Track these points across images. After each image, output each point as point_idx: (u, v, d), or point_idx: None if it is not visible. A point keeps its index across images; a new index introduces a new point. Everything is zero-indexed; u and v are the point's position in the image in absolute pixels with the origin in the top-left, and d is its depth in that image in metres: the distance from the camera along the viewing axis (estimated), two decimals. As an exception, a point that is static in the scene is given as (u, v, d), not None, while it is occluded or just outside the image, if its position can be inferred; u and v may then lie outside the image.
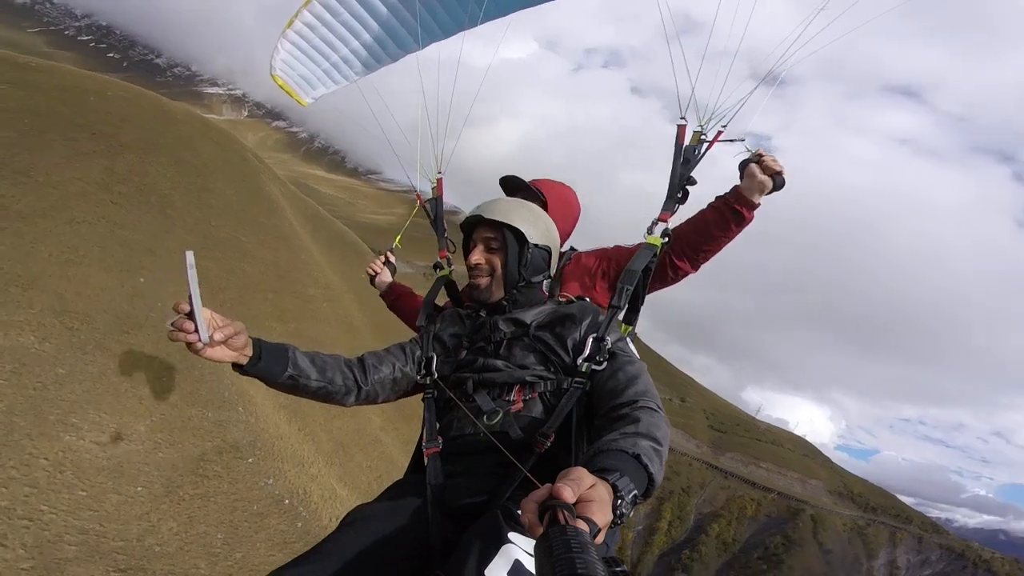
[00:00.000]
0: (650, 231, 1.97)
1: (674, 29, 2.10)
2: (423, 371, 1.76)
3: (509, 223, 1.69)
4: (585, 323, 1.64)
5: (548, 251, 1.79)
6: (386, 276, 2.54)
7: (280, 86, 3.02)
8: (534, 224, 1.74)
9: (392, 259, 2.60)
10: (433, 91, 2.58)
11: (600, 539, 0.81)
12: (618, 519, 0.93)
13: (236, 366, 1.42)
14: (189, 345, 1.28)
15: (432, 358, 1.76)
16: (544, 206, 2.11)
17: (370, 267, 2.56)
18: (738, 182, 1.92)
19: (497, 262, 1.72)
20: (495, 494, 1.40)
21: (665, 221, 1.98)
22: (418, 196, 2.57)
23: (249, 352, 1.41)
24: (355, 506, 1.46)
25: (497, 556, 1.07)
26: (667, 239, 1.93)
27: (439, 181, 2.56)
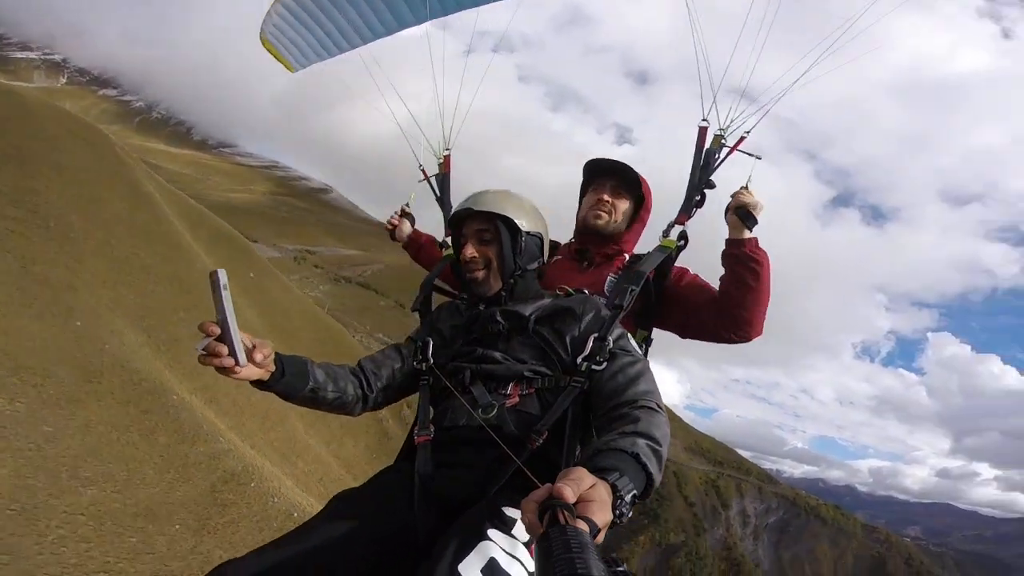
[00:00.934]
0: (666, 234, 1.96)
1: (699, 29, 2.11)
2: (419, 356, 1.73)
3: (500, 213, 1.67)
4: (586, 319, 1.61)
5: (540, 237, 1.77)
6: (405, 228, 2.53)
7: (269, 51, 2.92)
8: (524, 211, 1.72)
9: (409, 210, 2.59)
10: (441, 66, 2.57)
11: (600, 539, 0.82)
12: (618, 519, 0.93)
13: (258, 382, 1.37)
14: (224, 369, 1.23)
15: (428, 342, 1.75)
16: (642, 202, 2.18)
17: (389, 221, 2.57)
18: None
19: (491, 253, 1.70)
20: (484, 488, 1.39)
21: (682, 224, 1.96)
22: (423, 171, 2.56)
23: (272, 367, 1.38)
24: (341, 490, 1.45)
25: (473, 553, 1.06)
26: (683, 243, 1.93)
27: (446, 158, 2.54)
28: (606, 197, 2.09)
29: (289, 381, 1.44)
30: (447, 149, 2.54)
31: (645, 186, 2.14)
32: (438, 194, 2.50)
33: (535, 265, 1.76)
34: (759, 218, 1.84)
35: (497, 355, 1.60)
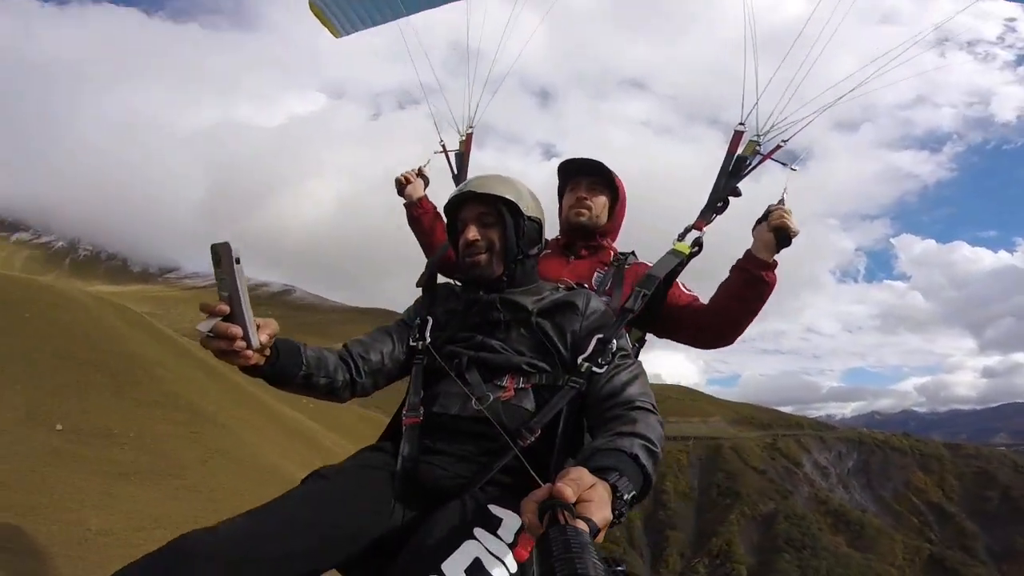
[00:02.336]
0: (681, 237, 1.93)
1: (752, 33, 2.02)
2: (417, 334, 1.68)
3: (503, 195, 1.62)
4: (588, 316, 1.60)
5: (540, 223, 1.73)
6: (419, 186, 2.43)
7: (316, 16, 2.90)
8: (525, 196, 1.69)
9: (427, 173, 2.49)
10: (476, 38, 2.56)
11: (600, 539, 0.82)
12: (617, 519, 0.92)
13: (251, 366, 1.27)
14: (231, 353, 1.15)
15: (428, 321, 1.70)
16: (617, 196, 2.22)
17: (403, 175, 2.44)
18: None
19: (494, 236, 1.64)
20: (470, 480, 1.39)
21: (700, 229, 1.93)
22: (442, 145, 2.53)
23: (267, 350, 1.30)
24: (321, 466, 1.41)
25: (457, 551, 1.07)
26: (697, 249, 1.90)
27: (469, 136, 2.52)
28: (583, 195, 2.12)
29: (284, 365, 1.38)
30: (471, 127, 2.51)
31: (617, 180, 2.19)
32: (455, 172, 2.49)
33: (535, 251, 1.72)
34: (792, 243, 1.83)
35: (496, 344, 1.57)
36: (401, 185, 2.40)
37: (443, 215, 1.85)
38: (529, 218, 1.66)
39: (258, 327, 1.16)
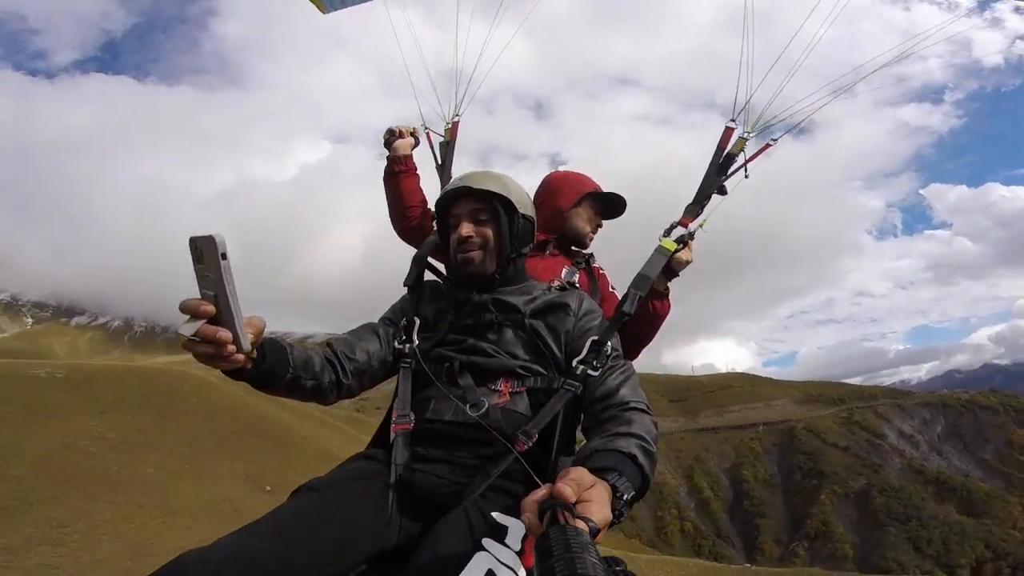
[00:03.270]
0: (667, 233, 1.91)
1: (752, 26, 2.00)
2: (403, 336, 1.62)
3: (499, 192, 1.59)
4: (581, 317, 1.58)
5: (532, 221, 1.70)
6: (408, 144, 2.30)
7: None
8: (519, 194, 1.66)
9: (419, 135, 2.38)
10: (466, 26, 2.48)
11: (600, 539, 0.82)
12: (617, 519, 0.92)
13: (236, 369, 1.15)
14: (219, 358, 1.04)
15: (415, 323, 1.64)
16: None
17: (398, 127, 2.32)
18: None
19: (488, 233, 1.60)
20: (469, 487, 1.34)
21: (685, 226, 1.91)
22: (427, 132, 2.41)
23: (253, 352, 1.17)
24: (311, 478, 1.34)
25: (470, 565, 1.02)
26: (683, 245, 1.89)
27: (455, 124, 2.42)
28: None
29: (270, 367, 1.27)
30: (457, 115, 2.42)
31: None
32: (439, 162, 2.39)
33: (527, 249, 1.70)
34: (680, 274, 1.90)
35: (488, 347, 1.54)
36: (392, 136, 2.31)
37: (432, 208, 1.88)
38: (523, 216, 1.64)
39: (249, 325, 1.07)
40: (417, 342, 1.60)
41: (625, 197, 2.16)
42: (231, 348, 1.02)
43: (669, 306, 1.93)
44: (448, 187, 1.67)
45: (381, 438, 1.59)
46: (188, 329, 0.99)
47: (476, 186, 1.58)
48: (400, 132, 2.30)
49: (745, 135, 1.93)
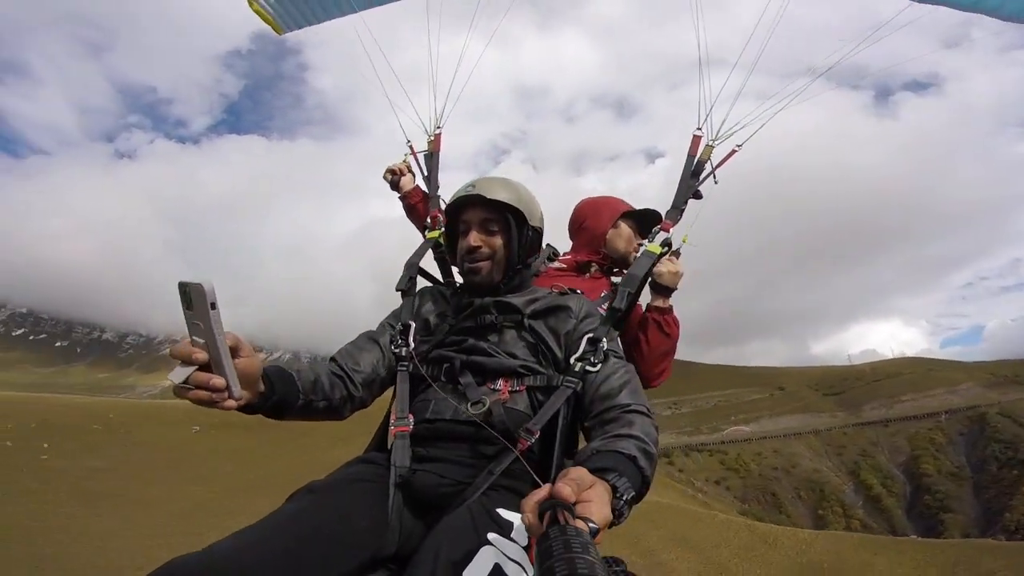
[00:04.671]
0: (651, 239, 1.95)
1: (704, 37, 2.11)
2: (399, 340, 1.64)
3: (512, 204, 1.60)
4: (581, 318, 1.60)
5: (541, 232, 1.72)
6: (410, 179, 2.43)
7: (257, 12, 2.77)
8: (531, 205, 1.66)
9: (411, 164, 2.45)
10: (437, 37, 2.44)
11: (600, 539, 0.81)
12: (617, 520, 0.93)
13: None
14: (212, 403, 1.03)
15: (410, 326, 1.67)
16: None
17: (397, 166, 2.42)
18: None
19: (497, 244, 1.62)
20: (471, 486, 1.33)
21: (667, 231, 1.95)
22: (411, 147, 2.43)
23: (261, 386, 1.20)
24: (309, 481, 1.32)
25: (476, 559, 1.02)
26: (667, 249, 1.93)
27: (437, 136, 2.41)
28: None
29: (280, 399, 1.28)
30: (438, 127, 2.43)
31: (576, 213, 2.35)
32: (425, 173, 2.38)
33: (532, 260, 1.72)
34: (677, 288, 1.93)
35: (488, 347, 1.56)
36: (393, 175, 2.41)
37: (442, 213, 1.90)
38: (532, 227, 1.65)
39: (242, 368, 1.07)
40: (413, 345, 1.62)
41: (660, 211, 2.11)
42: (223, 394, 1.03)
43: (676, 322, 1.94)
44: (460, 191, 1.65)
45: (379, 441, 1.62)
46: (179, 376, 0.99)
47: (489, 195, 1.58)
48: (400, 170, 2.41)
49: (711, 143, 2.00)
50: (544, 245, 2.11)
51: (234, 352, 1.06)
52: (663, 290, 1.92)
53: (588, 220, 2.25)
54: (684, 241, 1.97)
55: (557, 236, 2.26)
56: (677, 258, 1.95)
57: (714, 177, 1.99)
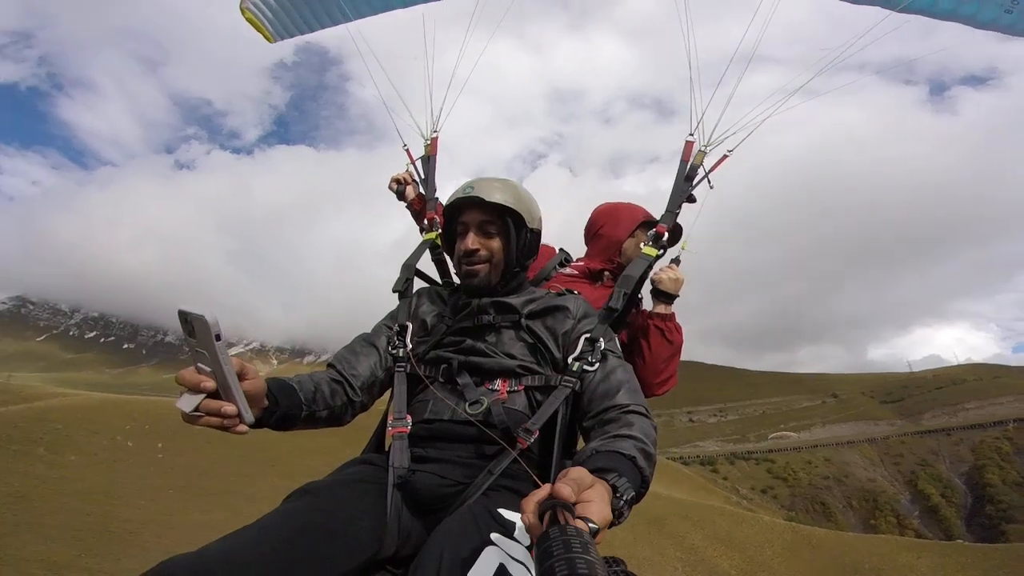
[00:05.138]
0: (647, 242, 1.95)
1: (693, 43, 2.13)
2: (396, 342, 1.64)
3: (511, 207, 1.58)
4: (579, 318, 1.59)
5: (539, 234, 1.71)
6: (413, 189, 2.42)
7: (248, 20, 2.79)
8: (530, 207, 1.65)
9: (411, 172, 2.45)
10: (432, 43, 2.46)
11: (600, 539, 0.80)
12: (616, 519, 0.93)
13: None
14: (224, 428, 1.04)
15: (408, 327, 1.66)
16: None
17: (400, 176, 2.42)
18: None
19: (495, 247, 1.61)
20: (470, 486, 1.33)
21: (660, 233, 1.94)
22: (408, 152, 2.45)
23: (265, 402, 1.20)
24: (306, 483, 1.30)
25: (480, 560, 0.99)
26: (663, 252, 1.95)
27: (434, 140, 2.42)
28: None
29: (285, 413, 1.29)
30: (435, 131, 2.44)
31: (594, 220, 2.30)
32: (422, 176, 2.40)
33: (530, 262, 1.72)
34: (679, 294, 1.94)
35: (486, 347, 1.55)
36: (399, 185, 2.43)
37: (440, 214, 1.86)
38: (531, 230, 1.64)
39: (248, 388, 1.07)
40: (411, 346, 1.61)
41: (682, 225, 2.07)
42: (235, 420, 1.04)
43: (679, 329, 1.95)
44: (458, 192, 1.63)
45: (377, 443, 1.63)
46: (188, 404, 0.99)
47: (487, 198, 1.56)
48: (403, 179, 2.42)
49: (703, 148, 2.01)
50: (558, 250, 2.23)
51: (240, 376, 1.06)
52: (665, 296, 1.95)
53: (605, 227, 2.21)
54: (684, 247, 2.01)
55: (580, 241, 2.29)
56: (678, 265, 1.99)
57: (708, 182, 2.02)
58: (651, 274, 1.94)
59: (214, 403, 1.03)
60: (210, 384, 1.01)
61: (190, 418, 1.02)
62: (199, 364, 1.02)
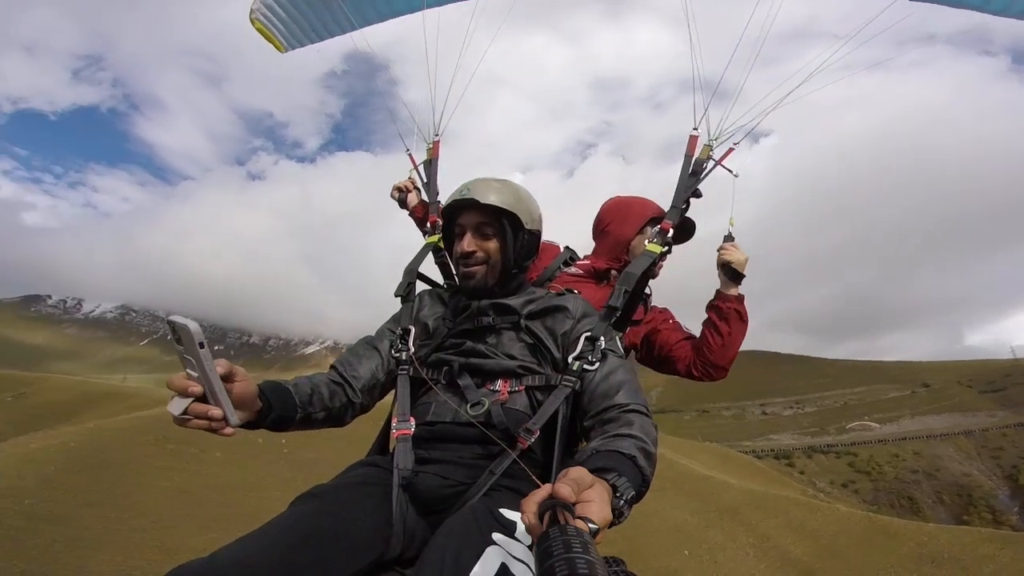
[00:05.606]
0: (651, 238, 1.96)
1: (697, 37, 2.09)
2: (399, 345, 1.66)
3: (507, 209, 1.58)
4: (579, 318, 1.59)
5: (538, 234, 1.71)
6: (415, 196, 2.47)
7: (258, 30, 2.83)
8: (527, 207, 1.65)
9: (414, 179, 2.49)
10: (435, 49, 2.47)
11: (600, 539, 0.81)
12: (617, 519, 0.93)
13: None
14: (211, 431, 1.09)
15: (410, 330, 1.68)
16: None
17: (402, 184, 2.48)
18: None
19: (492, 248, 1.61)
20: (473, 486, 1.35)
21: (667, 230, 1.95)
22: (410, 157, 2.48)
23: (258, 404, 1.23)
24: (311, 487, 1.31)
25: (482, 559, 1.00)
26: (668, 248, 1.95)
27: (436, 143, 2.44)
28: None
29: (278, 416, 1.30)
30: (436, 135, 2.46)
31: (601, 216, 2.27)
32: (424, 180, 2.43)
33: (528, 263, 1.72)
34: (746, 273, 1.96)
35: (486, 349, 1.56)
36: (401, 192, 2.47)
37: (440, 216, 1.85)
38: (529, 231, 1.64)
39: (236, 390, 1.11)
40: (413, 349, 1.63)
41: (694, 220, 2.05)
42: (222, 423, 1.08)
43: (744, 312, 1.96)
44: (455, 194, 1.63)
45: (381, 445, 1.66)
46: (177, 407, 1.04)
47: (482, 200, 1.56)
48: (406, 187, 2.46)
49: (709, 142, 2.00)
50: (563, 248, 2.19)
51: (227, 379, 1.10)
52: (738, 277, 1.96)
53: (612, 224, 2.16)
54: (732, 224, 2.00)
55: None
56: (733, 242, 1.98)
57: (730, 171, 2.01)
58: (720, 255, 1.99)
59: (201, 407, 1.07)
60: (197, 389, 1.05)
61: (179, 421, 1.06)
62: (188, 370, 1.06)
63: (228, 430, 1.11)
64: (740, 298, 1.98)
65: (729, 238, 2.02)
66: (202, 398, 1.07)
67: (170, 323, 1.03)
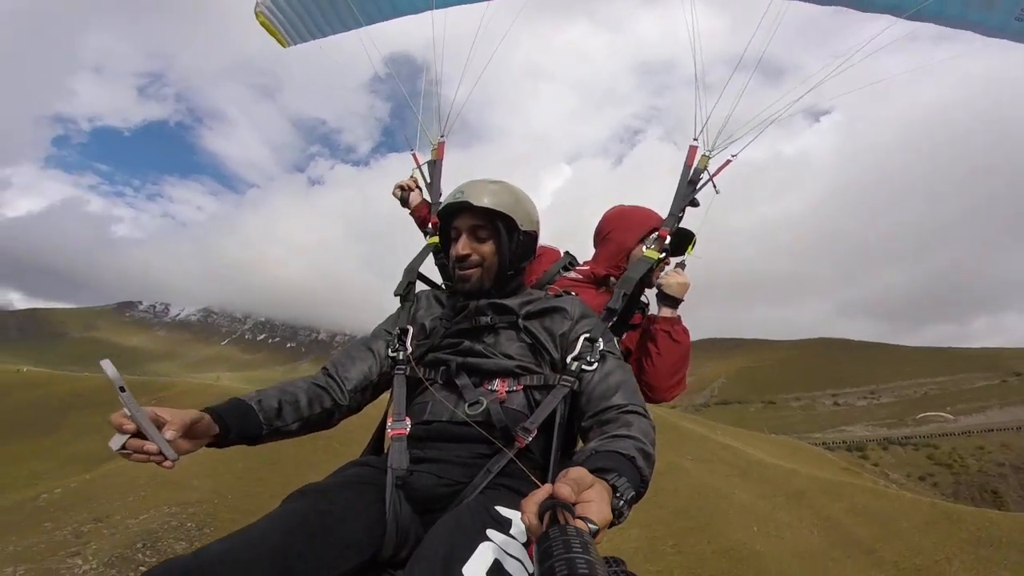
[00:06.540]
0: (648, 245, 2.00)
1: (700, 50, 2.12)
2: (396, 345, 1.66)
3: (501, 211, 1.59)
4: (577, 319, 1.59)
5: (534, 235, 1.71)
6: (417, 195, 2.53)
7: (262, 24, 2.86)
8: (523, 209, 1.65)
9: (417, 179, 2.56)
10: (441, 51, 2.45)
11: (600, 539, 0.81)
12: (616, 519, 0.93)
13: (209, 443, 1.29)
14: (153, 463, 1.14)
15: (408, 330, 1.68)
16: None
17: (405, 183, 2.54)
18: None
19: (486, 251, 1.62)
20: (468, 485, 1.36)
21: (663, 237, 1.99)
22: (414, 157, 2.51)
23: (215, 428, 1.27)
24: (304, 484, 1.32)
25: (475, 555, 1.02)
26: (664, 254, 1.99)
27: (440, 144, 2.48)
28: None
29: (239, 436, 1.34)
30: (442, 136, 2.48)
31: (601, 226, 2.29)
32: (428, 180, 2.46)
33: (525, 264, 1.72)
34: (684, 299, 1.96)
35: (484, 348, 1.56)
36: (403, 191, 2.50)
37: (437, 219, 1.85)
38: (525, 232, 1.64)
39: (172, 427, 1.15)
40: (410, 349, 1.63)
41: (694, 231, 2.06)
42: (159, 457, 1.12)
43: (686, 331, 1.95)
44: (449, 197, 1.65)
45: (375, 445, 1.67)
46: (116, 443, 1.11)
47: (476, 203, 1.57)
48: (408, 186, 2.50)
49: (707, 153, 2.03)
50: (563, 253, 2.25)
51: (157, 423, 1.13)
52: (671, 301, 1.95)
53: (615, 232, 2.18)
54: (689, 252, 2.02)
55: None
56: (684, 270, 2.00)
57: (714, 186, 2.02)
58: (657, 278, 1.98)
59: (136, 442, 1.12)
60: (129, 427, 1.11)
61: (121, 454, 1.12)
62: (125, 409, 1.11)
63: (167, 463, 1.14)
64: (672, 319, 1.96)
65: (681, 265, 2.04)
66: (139, 434, 1.12)
67: (103, 366, 1.06)
